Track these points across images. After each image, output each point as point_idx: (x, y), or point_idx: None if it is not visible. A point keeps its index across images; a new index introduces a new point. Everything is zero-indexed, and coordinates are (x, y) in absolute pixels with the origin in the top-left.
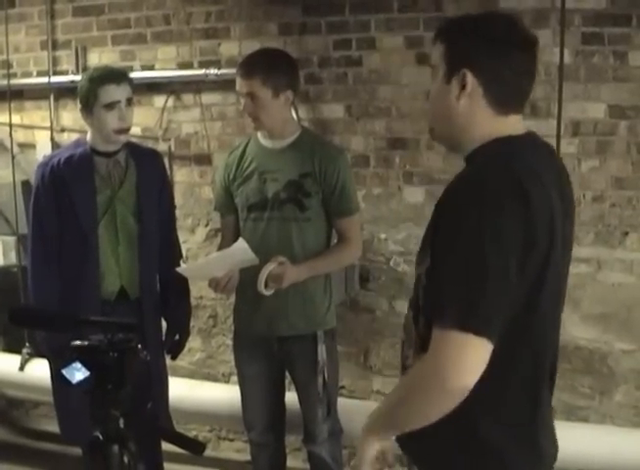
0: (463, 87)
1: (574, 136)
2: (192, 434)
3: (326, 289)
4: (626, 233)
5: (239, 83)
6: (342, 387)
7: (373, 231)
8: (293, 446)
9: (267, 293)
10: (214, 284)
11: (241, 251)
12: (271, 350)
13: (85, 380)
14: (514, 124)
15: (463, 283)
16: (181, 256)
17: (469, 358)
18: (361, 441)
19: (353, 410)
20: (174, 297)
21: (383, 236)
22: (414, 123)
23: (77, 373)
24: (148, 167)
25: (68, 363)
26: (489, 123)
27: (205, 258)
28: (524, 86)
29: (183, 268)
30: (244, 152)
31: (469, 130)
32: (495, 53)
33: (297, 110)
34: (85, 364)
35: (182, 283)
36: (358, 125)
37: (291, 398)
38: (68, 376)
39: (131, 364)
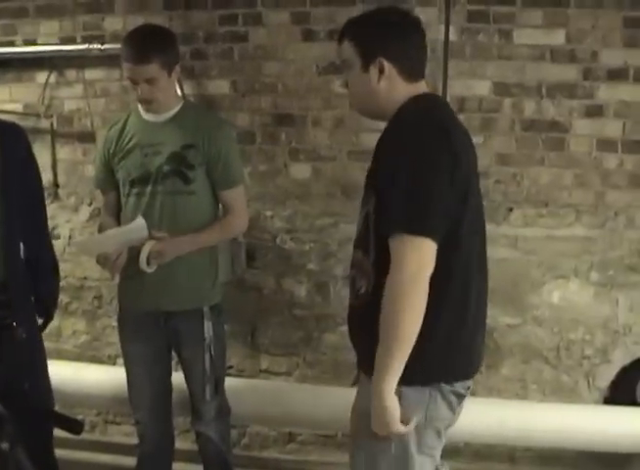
0: (381, 72)
1: (460, 113)
2: (79, 418)
3: (212, 263)
4: (511, 209)
5: (132, 71)
6: (231, 367)
7: (259, 208)
8: (182, 428)
9: (149, 270)
10: (103, 260)
11: (139, 228)
12: (157, 327)
13: None
14: (422, 87)
15: (411, 201)
16: (48, 234)
17: (426, 255)
18: (381, 400)
19: (242, 390)
20: (42, 278)
21: (269, 213)
22: (300, 100)
23: None
24: (11, 143)
25: None
26: (405, 91)
27: (102, 233)
28: (423, 57)
29: (78, 242)
30: (124, 126)
31: (391, 101)
32: (399, 37)
33: (181, 85)
34: None
35: (51, 263)
36: (244, 101)
37: (178, 378)
38: None
39: (5, 343)
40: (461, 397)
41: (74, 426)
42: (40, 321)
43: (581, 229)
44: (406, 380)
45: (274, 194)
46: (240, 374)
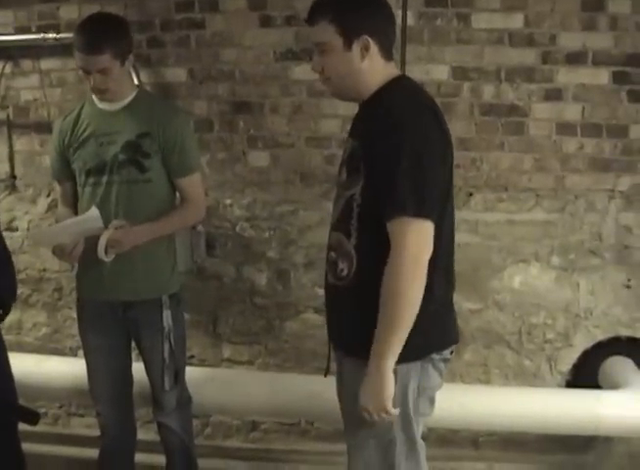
0: (365, 50)
1: None
2: (41, 411)
3: (169, 252)
4: (471, 194)
5: (85, 61)
6: (192, 356)
7: (218, 197)
8: (145, 419)
9: (107, 259)
10: (59, 251)
11: (93, 219)
12: (116, 317)
13: None
14: (394, 68)
15: (411, 183)
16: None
17: (427, 237)
18: (382, 380)
19: (203, 379)
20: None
21: (228, 202)
22: (258, 87)
23: None
24: None
25: None
26: (383, 71)
27: (57, 224)
28: (395, 35)
29: (33, 233)
30: (79, 116)
31: (371, 81)
32: (379, 14)
33: (138, 73)
34: None
35: (4, 255)
36: (201, 89)
37: (139, 369)
38: None
39: None
40: (447, 361)
41: (31, 417)
42: None
43: (542, 213)
44: (403, 358)
45: (233, 182)
46: (202, 363)
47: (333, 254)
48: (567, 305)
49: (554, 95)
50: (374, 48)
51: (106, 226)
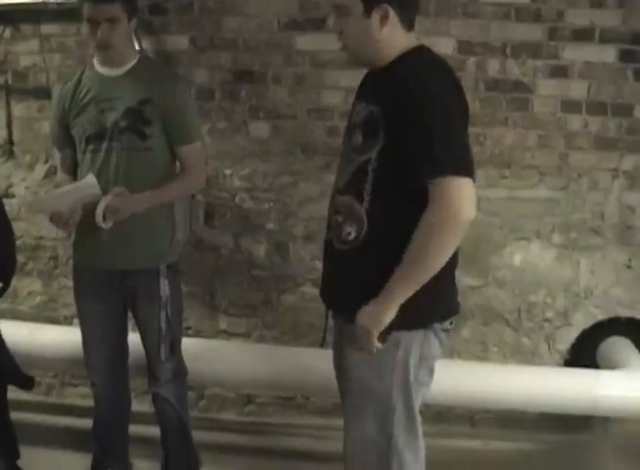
0: (384, 19)
1: None
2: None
3: (168, 221)
4: None
5: (94, 10)
6: (189, 328)
7: (218, 167)
8: (140, 390)
9: (106, 226)
10: (57, 219)
11: (90, 186)
12: (112, 286)
13: None
14: (414, 38)
15: (448, 144)
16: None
17: (470, 195)
18: (385, 306)
19: (199, 350)
20: None
21: (228, 172)
22: (261, 56)
23: None
24: None
25: None
26: (403, 39)
27: (53, 191)
28: (417, 6)
29: (29, 201)
30: (79, 81)
31: (389, 49)
32: None
33: (139, 40)
34: None
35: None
36: (203, 57)
37: (135, 339)
38: None
39: None
40: (447, 331)
41: (25, 382)
42: None
43: (544, 191)
44: (407, 325)
45: (233, 152)
46: (198, 335)
47: (339, 217)
48: (567, 284)
49: (560, 72)
50: (393, 17)
51: (105, 194)
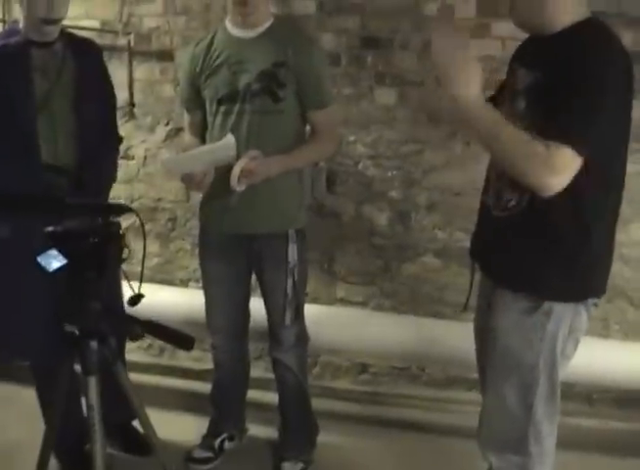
0: None
1: None
2: (146, 342)
3: (298, 186)
4: None
5: None
6: (306, 294)
7: (342, 133)
8: (253, 355)
9: (239, 188)
10: (188, 180)
11: (228, 147)
12: (239, 249)
13: (63, 268)
14: (585, 7)
15: (585, 120)
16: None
17: (572, 169)
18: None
19: (317, 317)
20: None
21: (352, 138)
22: (388, 22)
23: (54, 261)
24: (86, 59)
25: (43, 250)
26: (573, 8)
27: (190, 151)
28: None
29: (166, 159)
30: (211, 43)
31: (558, 17)
32: None
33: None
34: (62, 251)
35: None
36: (330, 22)
37: (254, 303)
38: (44, 264)
39: (113, 251)
40: (596, 306)
41: (185, 341)
42: None
43: None
44: (563, 297)
45: (358, 118)
46: (315, 302)
47: (499, 183)
48: None
49: None
50: None
51: (237, 156)
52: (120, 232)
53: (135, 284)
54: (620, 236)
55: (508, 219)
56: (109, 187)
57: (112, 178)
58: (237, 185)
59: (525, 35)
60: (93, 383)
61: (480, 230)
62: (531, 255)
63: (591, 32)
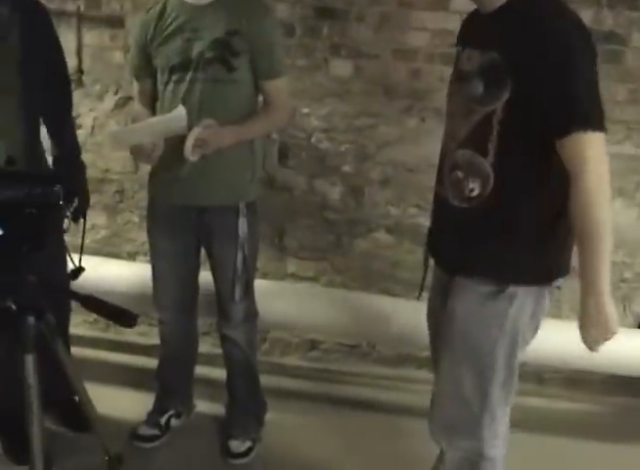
0: None
1: None
2: (92, 317)
3: (250, 158)
4: None
5: None
6: (256, 269)
7: (295, 105)
8: (201, 330)
9: (193, 158)
10: (137, 151)
11: (179, 118)
12: (188, 222)
13: None
14: None
15: (593, 97)
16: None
17: (602, 150)
18: (604, 308)
19: (267, 292)
20: (68, 160)
21: (305, 111)
22: None
23: None
24: (34, 21)
25: None
26: None
27: (140, 122)
28: None
29: (114, 131)
30: (163, 9)
31: None
32: None
33: None
34: None
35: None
36: None
37: (203, 278)
38: None
39: (51, 223)
40: (558, 288)
41: (126, 318)
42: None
43: (630, 147)
44: (529, 280)
45: (312, 91)
46: (265, 277)
47: (459, 173)
48: None
49: None
50: None
51: (188, 127)
52: (60, 203)
53: (76, 257)
54: None
55: (469, 209)
56: (72, 157)
57: (73, 148)
58: (190, 155)
59: None
60: (30, 361)
61: (437, 222)
62: (496, 240)
63: (544, 4)
